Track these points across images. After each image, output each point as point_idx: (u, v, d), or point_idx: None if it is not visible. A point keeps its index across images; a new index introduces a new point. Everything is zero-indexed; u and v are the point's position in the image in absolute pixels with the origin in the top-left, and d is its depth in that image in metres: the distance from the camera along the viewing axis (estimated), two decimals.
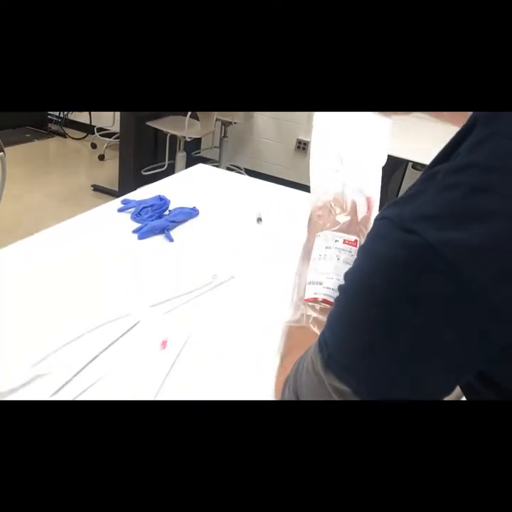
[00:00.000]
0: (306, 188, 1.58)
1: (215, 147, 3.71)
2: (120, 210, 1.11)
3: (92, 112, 4.11)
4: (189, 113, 2.85)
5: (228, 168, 3.67)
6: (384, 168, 2.19)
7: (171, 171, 3.18)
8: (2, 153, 1.65)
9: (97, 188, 3.23)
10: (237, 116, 3.39)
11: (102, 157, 3.80)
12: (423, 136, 2.81)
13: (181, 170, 3.16)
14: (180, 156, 3.11)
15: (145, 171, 3.13)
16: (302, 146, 3.64)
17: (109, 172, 3.53)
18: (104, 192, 3.20)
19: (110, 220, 1.09)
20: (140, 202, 1.12)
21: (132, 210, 1.10)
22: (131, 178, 3.03)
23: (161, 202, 1.12)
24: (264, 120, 3.70)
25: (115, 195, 3.11)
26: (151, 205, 1.10)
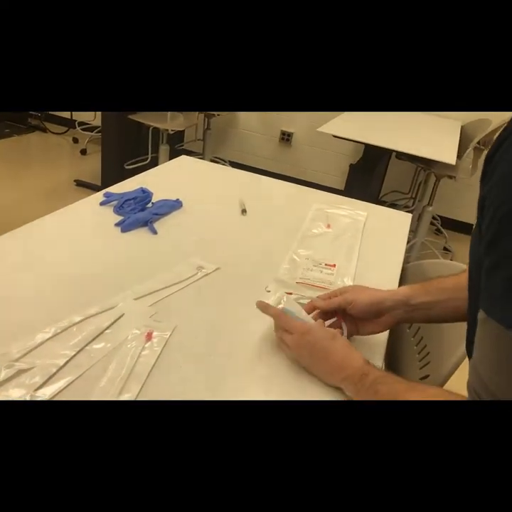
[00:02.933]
0: (290, 179, 1.59)
1: (198, 140, 3.68)
2: (102, 204, 1.10)
3: None
4: None
5: (212, 161, 3.65)
6: (368, 158, 2.22)
7: (154, 164, 3.15)
8: None
9: (79, 183, 3.19)
10: None
11: (84, 151, 3.75)
12: (405, 126, 2.83)
13: (165, 162, 3.14)
14: (164, 149, 3.08)
15: (128, 165, 3.10)
16: (286, 138, 3.63)
17: (91, 166, 3.48)
18: (86, 187, 3.16)
19: (93, 213, 1.08)
20: (122, 195, 1.11)
21: (115, 203, 1.09)
22: (114, 172, 2.99)
23: (144, 194, 1.10)
24: (248, 113, 3.68)
25: (98, 189, 3.05)
26: (134, 198, 1.09)
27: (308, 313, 0.75)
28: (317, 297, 0.78)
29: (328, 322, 0.74)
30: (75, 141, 3.93)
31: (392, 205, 3.46)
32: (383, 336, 0.81)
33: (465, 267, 1.05)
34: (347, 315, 0.75)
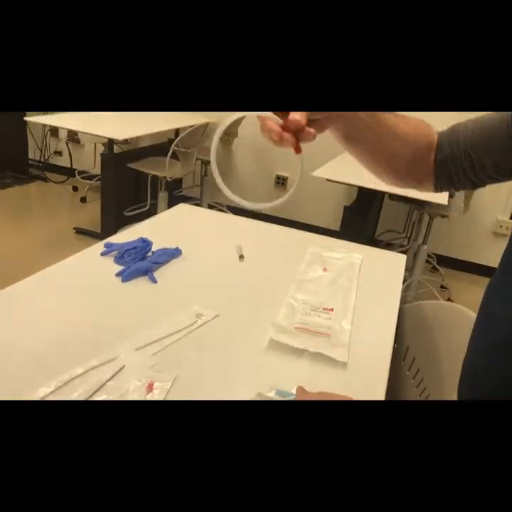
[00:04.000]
0: (286, 221, 1.62)
1: (196, 186, 3.77)
2: (103, 254, 1.13)
3: (72, 156, 4.16)
4: (169, 154, 2.90)
5: (210, 206, 3.72)
6: (362, 199, 2.26)
7: (153, 210, 3.21)
8: None
9: (79, 230, 3.24)
10: (217, 155, 3.45)
11: (83, 199, 3.82)
12: None
13: (163, 209, 3.20)
14: (162, 196, 3.15)
15: (127, 212, 3.16)
16: (281, 182, 3.72)
17: (91, 214, 3.54)
18: (86, 234, 3.21)
19: (94, 263, 1.10)
20: (123, 245, 1.13)
21: (115, 253, 1.12)
22: (113, 219, 3.05)
23: (144, 244, 1.13)
24: (244, 158, 3.78)
25: (97, 236, 3.12)
26: (134, 248, 1.11)
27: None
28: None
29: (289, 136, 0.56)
30: (75, 189, 4.02)
31: (388, 245, 3.50)
32: (384, 371, 0.82)
33: (464, 308, 1.07)
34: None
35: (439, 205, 2.32)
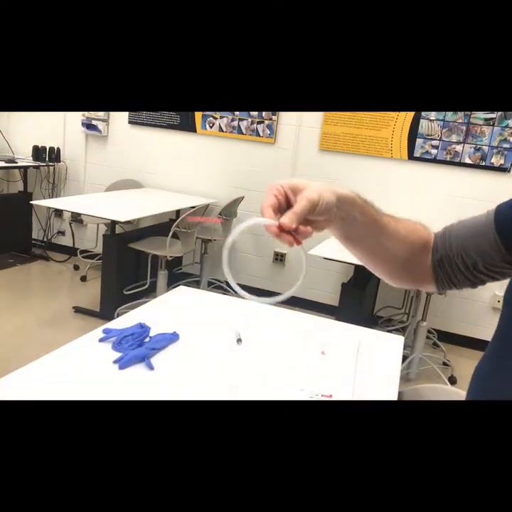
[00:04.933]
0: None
1: (196, 263, 3.83)
2: (101, 340, 1.13)
3: (75, 235, 4.26)
4: (170, 234, 2.98)
5: (209, 283, 3.75)
6: (359, 276, 2.30)
7: (152, 288, 3.24)
8: None
9: (78, 310, 3.24)
10: (217, 234, 3.55)
11: (84, 278, 3.86)
12: None
13: (163, 287, 3.23)
14: (162, 274, 3.19)
15: (127, 290, 3.18)
16: (279, 258, 3.78)
17: (90, 292, 3.57)
18: (85, 313, 3.21)
19: (92, 350, 1.11)
20: (121, 331, 1.14)
21: (113, 339, 1.12)
22: (112, 298, 3.07)
23: (141, 330, 1.14)
24: (243, 236, 3.87)
25: (96, 315, 3.12)
26: (132, 334, 1.12)
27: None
28: (267, 207, 0.60)
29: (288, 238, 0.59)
30: (76, 268, 4.07)
31: (388, 321, 3.49)
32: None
33: (462, 393, 1.06)
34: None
35: None
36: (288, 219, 0.58)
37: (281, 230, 0.59)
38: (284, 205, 0.61)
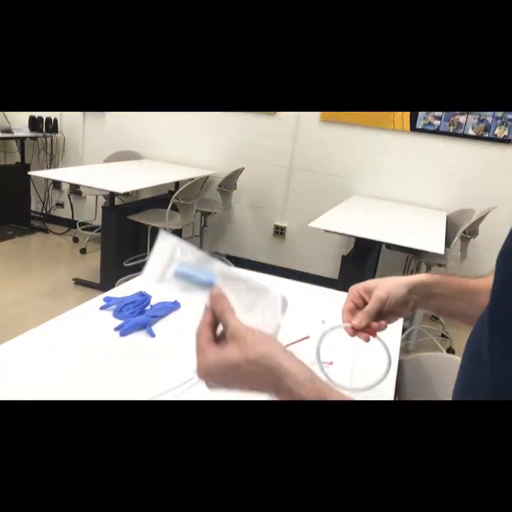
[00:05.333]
0: (285, 270, 1.62)
1: (195, 236, 3.81)
2: (102, 308, 1.13)
3: (74, 208, 4.23)
4: (170, 205, 2.96)
5: None
6: (359, 249, 2.30)
7: None
8: None
9: (78, 282, 3.24)
10: (217, 206, 3.52)
11: (83, 251, 3.85)
12: (393, 217, 2.95)
13: None
14: None
15: (126, 263, 3.18)
16: (280, 231, 3.77)
17: (90, 265, 3.57)
18: (85, 285, 3.21)
19: (93, 317, 1.11)
20: (122, 299, 1.14)
21: (114, 306, 1.12)
22: (112, 270, 3.06)
23: (142, 298, 1.14)
24: (242, 209, 3.85)
25: (96, 287, 3.12)
26: (133, 302, 1.12)
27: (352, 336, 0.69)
28: (345, 311, 0.72)
29: (366, 335, 0.69)
30: (75, 240, 4.06)
31: None
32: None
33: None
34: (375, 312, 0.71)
35: (435, 255, 2.34)
36: (357, 320, 0.69)
37: (356, 330, 0.69)
38: (361, 306, 0.72)
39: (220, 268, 0.54)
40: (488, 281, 0.71)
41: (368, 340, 0.70)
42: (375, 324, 0.70)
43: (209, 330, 0.53)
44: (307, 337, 0.93)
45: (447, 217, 3.11)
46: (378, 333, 0.71)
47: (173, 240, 0.54)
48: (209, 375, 0.51)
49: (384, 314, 0.71)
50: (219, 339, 0.53)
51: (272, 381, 0.48)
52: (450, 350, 2.89)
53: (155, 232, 3.15)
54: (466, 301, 0.71)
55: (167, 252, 0.54)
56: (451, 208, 3.27)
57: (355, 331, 0.70)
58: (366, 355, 1.07)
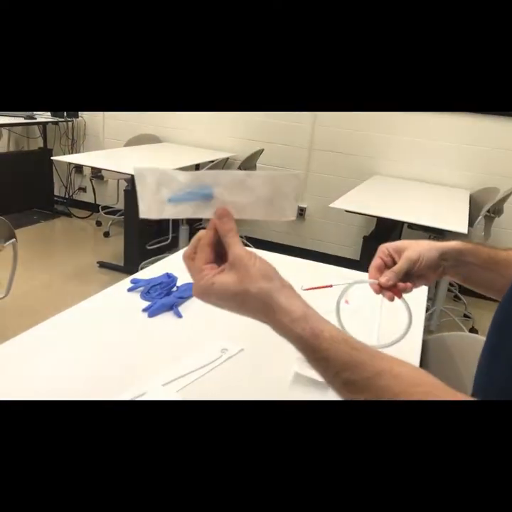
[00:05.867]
0: (305, 251, 1.62)
1: None
2: (130, 290, 1.16)
3: (96, 192, 4.29)
4: None
5: None
6: (381, 229, 2.29)
7: (174, 243, 3.27)
8: (14, 239, 1.72)
9: (102, 265, 3.30)
10: None
11: (106, 234, 3.91)
12: (415, 196, 2.92)
13: (185, 242, 3.26)
14: (184, 229, 3.21)
15: (149, 245, 3.22)
16: (299, 212, 3.76)
17: (114, 248, 3.62)
18: (109, 268, 3.27)
19: (121, 299, 1.14)
20: (149, 280, 1.17)
21: (141, 288, 1.15)
22: (136, 253, 3.11)
23: (169, 279, 1.16)
24: None
25: (121, 270, 3.18)
26: (160, 283, 1.15)
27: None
28: (373, 268, 0.71)
29: (391, 295, 0.68)
30: (98, 224, 4.12)
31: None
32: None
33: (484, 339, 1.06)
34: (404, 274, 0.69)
35: (459, 234, 2.32)
36: (385, 278, 0.68)
37: (382, 287, 0.68)
38: (390, 264, 0.71)
39: (213, 176, 0.51)
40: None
41: (392, 299, 0.69)
42: (401, 285, 0.68)
43: (209, 250, 0.52)
44: (330, 285, 0.91)
45: (470, 196, 3.06)
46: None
47: (149, 169, 0.51)
48: (205, 295, 0.52)
49: (412, 276, 0.70)
50: (217, 260, 0.52)
51: (267, 314, 0.50)
52: (473, 330, 2.87)
53: None
54: (495, 272, 0.71)
55: (151, 183, 0.52)
56: (474, 186, 3.22)
57: (380, 289, 0.69)
58: (388, 315, 1.08)
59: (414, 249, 0.69)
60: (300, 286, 0.83)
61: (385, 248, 0.72)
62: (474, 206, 2.87)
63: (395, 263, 0.70)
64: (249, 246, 2.76)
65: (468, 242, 0.73)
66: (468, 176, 3.25)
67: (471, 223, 2.54)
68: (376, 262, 0.71)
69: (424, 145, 3.32)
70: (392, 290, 0.68)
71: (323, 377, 0.49)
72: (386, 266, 0.71)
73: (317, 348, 0.48)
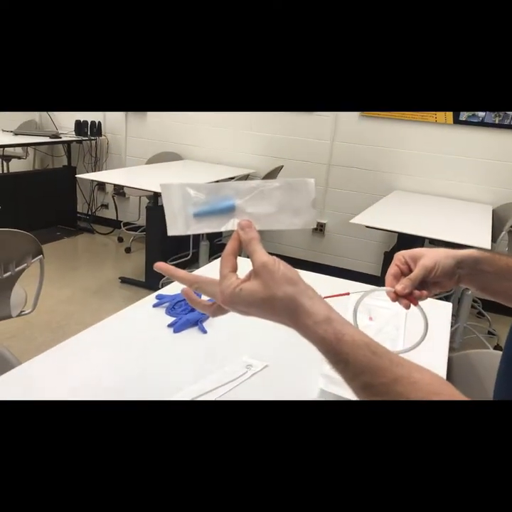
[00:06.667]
0: (325, 267, 1.61)
1: None
2: (155, 306, 1.18)
3: (118, 208, 4.36)
4: None
5: None
6: (402, 245, 2.29)
7: (195, 259, 3.30)
8: (41, 256, 1.76)
9: (124, 280, 3.35)
10: None
11: (128, 250, 3.97)
12: (436, 211, 2.90)
13: (205, 258, 3.29)
14: (204, 245, 3.24)
15: (170, 261, 3.26)
16: (319, 228, 3.76)
17: (135, 264, 3.67)
18: (131, 283, 3.31)
19: (147, 315, 1.15)
20: (174, 296, 1.18)
21: (167, 304, 1.17)
22: None
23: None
24: None
25: (142, 285, 3.21)
26: (184, 299, 1.16)
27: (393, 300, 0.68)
28: (390, 276, 0.71)
29: (407, 302, 0.68)
30: (120, 240, 4.19)
31: None
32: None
33: None
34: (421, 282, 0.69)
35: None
36: (401, 286, 0.67)
37: (398, 295, 0.68)
38: (406, 272, 0.70)
39: (234, 187, 0.55)
40: None
41: (408, 307, 0.69)
42: (416, 292, 0.68)
43: (233, 258, 0.55)
44: (347, 293, 0.91)
45: (493, 211, 3.03)
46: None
47: (175, 185, 0.54)
48: (232, 303, 0.54)
49: (427, 284, 0.70)
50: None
51: (292, 318, 0.52)
52: (497, 348, 2.82)
53: None
54: (509, 281, 0.70)
55: (176, 199, 0.55)
56: (497, 201, 3.18)
57: (396, 297, 0.68)
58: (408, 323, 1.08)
59: (430, 256, 0.69)
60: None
61: (401, 256, 0.72)
62: (497, 221, 2.83)
63: (411, 271, 0.70)
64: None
65: (485, 251, 0.72)
66: (491, 191, 3.22)
67: (494, 239, 2.51)
68: (392, 269, 0.71)
69: (445, 160, 3.31)
70: (408, 298, 0.68)
71: (343, 378, 0.50)
72: (402, 273, 0.71)
73: (338, 351, 0.49)
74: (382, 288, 0.70)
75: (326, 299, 0.57)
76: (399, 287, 0.68)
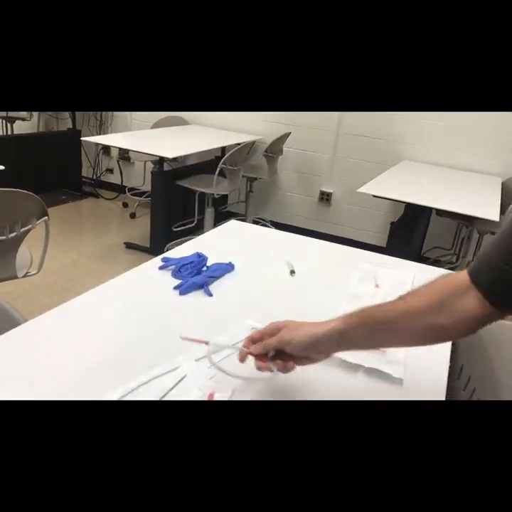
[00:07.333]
0: (330, 237, 1.61)
1: (241, 201, 3.83)
2: (161, 268, 1.18)
3: (123, 173, 4.33)
4: (217, 171, 2.98)
5: (254, 221, 3.77)
6: (408, 215, 2.26)
7: (200, 225, 3.29)
8: (46, 217, 1.76)
9: (129, 245, 3.35)
10: (262, 172, 3.52)
11: (133, 215, 3.95)
12: (444, 183, 2.86)
13: (210, 225, 3.27)
14: (209, 212, 3.22)
15: (175, 227, 3.25)
16: (325, 198, 3.73)
17: (140, 229, 3.67)
18: (136, 248, 3.31)
19: (153, 277, 1.15)
20: (180, 259, 1.18)
21: (173, 267, 1.16)
22: (162, 235, 3.14)
23: (200, 259, 1.18)
24: (288, 175, 3.82)
25: (146, 251, 3.22)
26: (190, 262, 1.16)
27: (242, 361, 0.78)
28: (247, 339, 0.78)
29: (260, 364, 0.76)
30: (125, 205, 4.17)
31: (436, 262, 3.43)
32: (441, 389, 0.81)
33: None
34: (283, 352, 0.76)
35: (489, 222, 2.27)
36: (254, 347, 0.76)
37: (250, 354, 0.77)
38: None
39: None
40: (414, 299, 0.70)
41: (259, 369, 0.76)
42: (279, 362, 0.75)
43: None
44: (206, 342, 0.93)
45: (503, 183, 2.99)
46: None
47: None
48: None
49: (289, 355, 0.75)
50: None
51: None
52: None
53: (202, 197, 3.19)
54: (389, 333, 0.72)
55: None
56: (506, 173, 3.13)
57: (245, 356, 0.77)
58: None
59: (288, 330, 0.75)
60: (178, 335, 0.93)
61: (270, 326, 0.78)
62: (507, 194, 2.80)
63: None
64: (268, 227, 2.76)
65: (353, 314, 0.72)
66: (501, 163, 3.17)
67: (503, 211, 2.48)
68: (256, 335, 0.78)
69: (456, 130, 3.24)
70: (261, 359, 0.76)
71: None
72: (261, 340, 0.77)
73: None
74: (237, 347, 0.79)
75: (187, 340, 0.83)
76: (252, 348, 0.76)
